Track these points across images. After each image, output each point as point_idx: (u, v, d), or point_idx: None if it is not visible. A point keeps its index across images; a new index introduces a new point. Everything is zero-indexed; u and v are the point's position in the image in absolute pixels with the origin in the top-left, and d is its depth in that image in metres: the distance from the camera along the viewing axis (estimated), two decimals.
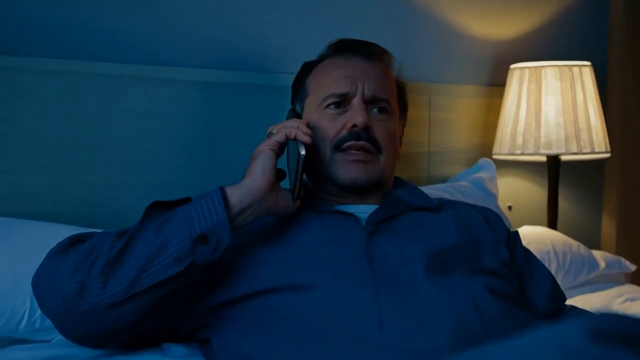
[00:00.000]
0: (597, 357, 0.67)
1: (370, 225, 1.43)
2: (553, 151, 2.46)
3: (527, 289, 1.54)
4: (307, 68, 1.66)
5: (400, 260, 1.36)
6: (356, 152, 1.50)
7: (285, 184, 1.43)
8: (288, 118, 1.56)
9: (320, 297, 1.29)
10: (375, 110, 1.55)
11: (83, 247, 1.30)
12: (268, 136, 1.45)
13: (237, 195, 1.33)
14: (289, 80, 1.70)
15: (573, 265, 2.34)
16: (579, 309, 1.58)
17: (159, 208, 1.34)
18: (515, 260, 1.54)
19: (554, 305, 1.54)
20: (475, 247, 1.45)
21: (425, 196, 1.61)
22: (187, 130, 1.98)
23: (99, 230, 1.48)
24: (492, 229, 1.54)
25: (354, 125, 1.50)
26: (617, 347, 0.68)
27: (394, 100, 1.60)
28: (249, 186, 1.34)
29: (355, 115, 1.51)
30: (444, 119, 2.52)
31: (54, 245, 1.35)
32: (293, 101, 1.66)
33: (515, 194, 2.74)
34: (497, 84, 2.64)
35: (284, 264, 1.36)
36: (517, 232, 1.62)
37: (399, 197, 1.56)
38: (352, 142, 1.50)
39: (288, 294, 1.31)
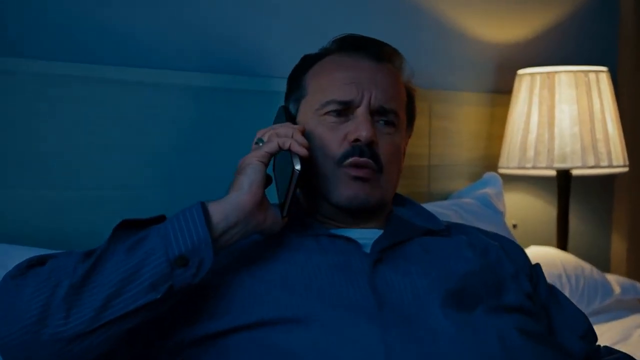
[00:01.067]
0: None
1: (375, 252, 1.36)
2: (567, 164, 2.44)
3: (556, 328, 1.47)
4: (308, 62, 1.57)
5: (410, 293, 1.31)
6: (357, 168, 1.42)
7: (270, 192, 1.36)
8: (278, 119, 1.50)
9: (317, 333, 1.23)
10: (381, 122, 1.47)
11: (42, 269, 1.23)
12: (257, 143, 1.39)
13: (221, 212, 1.27)
14: (284, 85, 1.62)
15: (586, 291, 2.33)
16: (620, 353, 1.51)
17: (129, 227, 1.27)
18: (538, 296, 1.48)
19: (589, 347, 1.47)
20: (494, 277, 1.40)
21: (432, 217, 1.54)
22: (170, 140, 1.95)
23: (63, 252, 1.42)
24: (510, 259, 1.48)
25: (357, 139, 1.42)
26: None
27: (402, 110, 1.52)
28: (235, 202, 1.28)
29: (359, 127, 1.43)
30: (445, 129, 2.50)
31: (7, 269, 1.27)
32: (287, 98, 1.58)
33: (520, 211, 2.73)
34: (502, 90, 2.65)
35: (274, 294, 1.30)
36: (539, 264, 1.56)
37: (404, 220, 1.49)
38: (354, 159, 1.42)
39: (279, 329, 1.25)
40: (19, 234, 1.69)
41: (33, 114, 1.76)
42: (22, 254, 1.45)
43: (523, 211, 2.72)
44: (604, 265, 2.86)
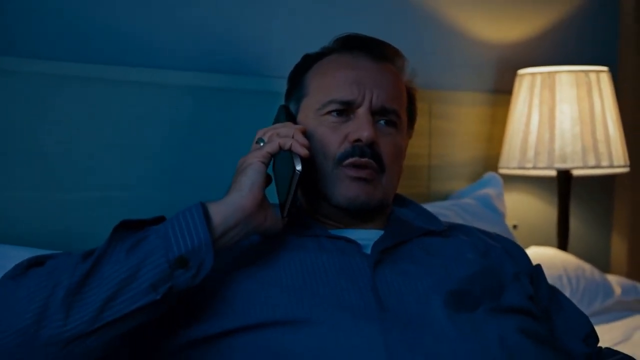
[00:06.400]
0: None
1: (375, 253, 1.36)
2: (568, 165, 2.45)
3: (558, 330, 1.46)
4: (309, 61, 1.56)
5: (412, 294, 1.30)
6: (358, 169, 1.42)
7: (270, 192, 1.35)
8: (278, 118, 1.49)
9: (317, 335, 1.23)
10: (382, 122, 1.46)
11: (42, 270, 1.22)
12: (257, 142, 1.38)
13: (221, 213, 1.26)
14: (283, 85, 1.61)
15: (587, 292, 2.33)
16: (621, 354, 1.49)
17: (128, 228, 1.26)
18: (539, 297, 1.48)
19: (590, 349, 1.46)
20: (495, 279, 1.40)
21: (433, 217, 1.53)
22: (170, 140, 1.96)
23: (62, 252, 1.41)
24: (512, 261, 1.47)
25: (358, 140, 1.41)
26: None
27: (403, 110, 1.51)
28: (235, 203, 1.27)
29: (360, 128, 1.42)
30: (445, 129, 2.51)
31: (5, 270, 1.26)
32: (288, 97, 1.57)
33: (520, 211, 2.74)
34: (502, 90, 2.65)
35: (274, 295, 1.29)
36: (540, 265, 1.55)
37: (405, 220, 1.48)
38: (355, 159, 1.41)
39: (280, 330, 1.25)
40: (20, 235, 1.70)
41: (34, 114, 1.76)
42: (23, 254, 1.45)
43: (523, 212, 2.72)
44: (604, 265, 2.86)
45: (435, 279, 1.32)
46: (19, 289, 1.18)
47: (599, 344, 1.53)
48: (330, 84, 1.47)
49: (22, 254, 1.46)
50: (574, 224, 2.74)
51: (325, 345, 1.22)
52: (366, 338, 1.21)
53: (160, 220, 1.27)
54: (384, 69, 1.50)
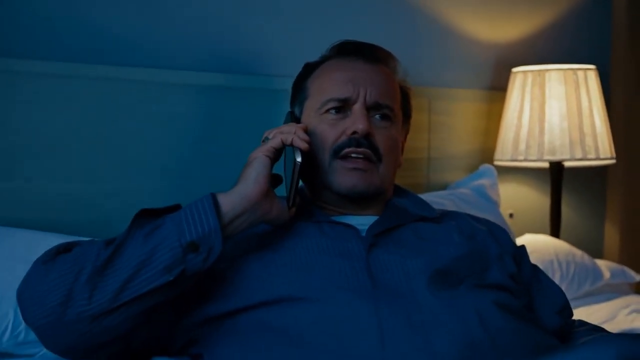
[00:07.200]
0: None
1: (370, 237, 1.42)
2: (557, 157, 2.46)
3: (536, 305, 1.52)
4: (309, 69, 1.63)
5: (401, 273, 1.35)
6: (356, 159, 1.48)
7: (282, 190, 1.41)
8: (286, 121, 1.54)
9: (317, 310, 1.28)
10: (377, 117, 1.53)
11: (69, 256, 1.28)
12: (264, 141, 1.44)
13: (229, 202, 1.32)
14: (288, 83, 1.67)
15: (577, 275, 2.35)
16: (591, 325, 1.57)
17: (147, 216, 1.31)
18: (522, 275, 1.53)
19: (563, 321, 1.53)
20: (480, 259, 1.45)
21: (426, 205, 1.59)
22: (182, 134, 1.99)
23: (86, 239, 1.45)
24: (497, 242, 1.53)
25: (354, 132, 1.48)
26: None
27: (397, 106, 1.57)
28: (241, 193, 1.33)
29: (356, 121, 1.48)
30: (444, 124, 2.52)
31: (39, 254, 1.33)
32: (292, 103, 1.63)
33: (516, 201, 2.73)
34: (498, 87, 2.65)
35: (279, 276, 1.34)
36: (524, 246, 1.61)
37: (399, 207, 1.54)
38: (352, 149, 1.48)
39: (284, 307, 1.30)
40: (43, 220, 1.76)
41: (59, 115, 1.81)
42: (48, 240, 1.57)
43: (518, 201, 2.72)
44: (597, 252, 2.88)
45: (424, 260, 1.37)
46: (50, 273, 1.25)
47: (577, 319, 1.57)
48: (328, 85, 1.53)
49: (53, 240, 1.53)
50: (567, 212, 2.75)
51: (325, 319, 1.26)
52: (360, 312, 1.26)
53: (176, 208, 1.33)
54: (377, 69, 1.56)
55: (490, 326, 1.27)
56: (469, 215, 1.62)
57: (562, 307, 1.54)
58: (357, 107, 1.50)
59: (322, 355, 1.22)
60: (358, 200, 1.51)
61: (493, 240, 1.52)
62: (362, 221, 1.48)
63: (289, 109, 1.63)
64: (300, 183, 1.48)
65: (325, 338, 1.24)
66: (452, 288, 1.33)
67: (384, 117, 1.53)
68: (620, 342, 0.72)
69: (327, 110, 1.52)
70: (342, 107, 1.52)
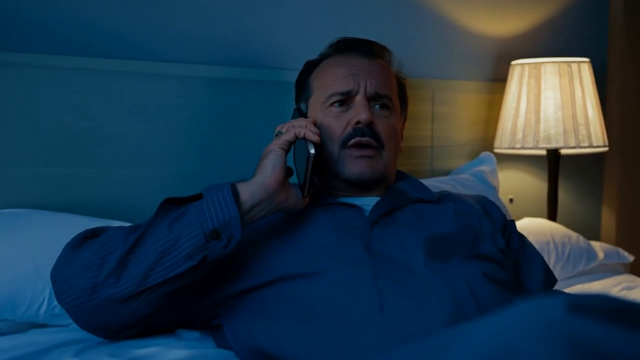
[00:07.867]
0: (577, 328, 0.71)
1: (372, 216, 1.47)
2: (552, 145, 2.47)
3: (522, 275, 1.58)
4: (310, 67, 1.67)
5: (399, 248, 1.40)
6: (362, 148, 1.53)
7: (292, 181, 1.45)
8: (294, 117, 1.58)
9: (324, 283, 1.33)
10: (377, 106, 1.57)
11: (97, 241, 1.32)
12: (276, 135, 1.47)
13: (248, 191, 1.34)
14: (294, 76, 1.72)
15: (572, 256, 2.38)
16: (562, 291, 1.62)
17: (171, 204, 1.35)
18: (511, 248, 1.58)
19: (546, 290, 1.58)
20: (473, 236, 1.49)
21: (426, 189, 1.63)
22: (195, 125, 2.01)
23: (113, 223, 1.53)
24: (491, 220, 1.57)
25: (358, 122, 1.53)
26: (594, 318, 0.71)
27: (394, 95, 1.62)
28: (260, 183, 1.36)
29: (359, 112, 1.53)
30: (447, 114, 2.54)
31: (71, 236, 1.37)
32: (297, 100, 1.68)
33: (516, 186, 2.75)
34: (498, 79, 2.66)
35: (293, 254, 1.39)
36: (513, 220, 1.65)
37: (400, 190, 1.59)
38: (357, 139, 1.52)
39: (296, 282, 1.35)
40: (73, 204, 1.79)
41: (84, 106, 1.84)
42: (79, 222, 1.63)
43: (517, 187, 2.73)
44: (595, 236, 2.89)
45: (419, 235, 1.42)
46: (78, 259, 1.29)
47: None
48: (330, 81, 1.58)
49: (81, 221, 1.63)
50: (565, 198, 2.80)
51: (332, 290, 1.32)
52: (362, 282, 1.31)
53: (198, 197, 1.34)
54: (374, 62, 1.61)
55: (479, 294, 1.32)
56: (464, 195, 1.67)
57: (544, 276, 1.59)
58: (359, 99, 1.55)
59: (329, 320, 1.27)
60: (364, 185, 1.56)
61: (487, 219, 1.56)
62: (367, 202, 1.53)
63: (294, 105, 1.68)
64: None
65: (332, 306, 1.29)
66: (445, 260, 1.38)
67: (384, 106, 1.58)
68: (573, 294, 0.78)
69: (332, 104, 1.57)
70: (345, 100, 1.56)
